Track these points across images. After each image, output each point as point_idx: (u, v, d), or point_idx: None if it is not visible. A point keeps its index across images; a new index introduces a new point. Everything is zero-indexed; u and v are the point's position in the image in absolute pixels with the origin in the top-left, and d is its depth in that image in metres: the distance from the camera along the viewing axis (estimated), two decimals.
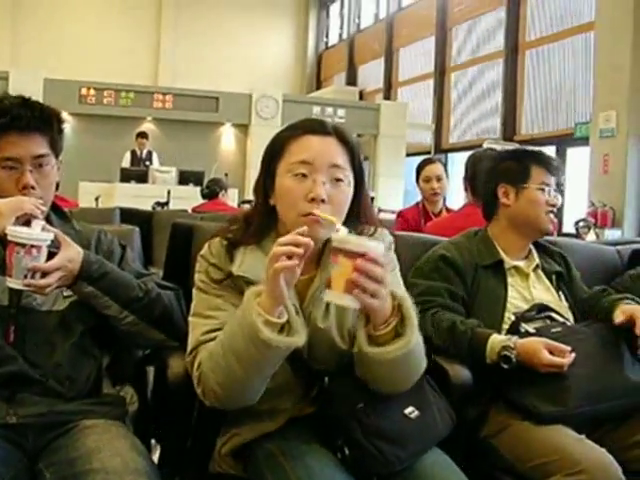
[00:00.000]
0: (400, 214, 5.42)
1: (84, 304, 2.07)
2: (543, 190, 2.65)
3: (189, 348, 1.90)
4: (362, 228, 1.99)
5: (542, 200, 2.65)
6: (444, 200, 5.34)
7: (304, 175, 1.87)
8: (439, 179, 5.12)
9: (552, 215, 2.67)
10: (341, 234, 1.70)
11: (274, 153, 1.94)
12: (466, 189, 4.11)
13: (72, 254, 1.97)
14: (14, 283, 1.88)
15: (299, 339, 1.72)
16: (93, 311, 2.07)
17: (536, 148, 2.91)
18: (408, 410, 1.91)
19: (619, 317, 2.43)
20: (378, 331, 1.78)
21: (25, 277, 1.87)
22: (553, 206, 2.67)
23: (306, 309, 1.87)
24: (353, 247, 1.66)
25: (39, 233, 1.89)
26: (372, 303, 1.69)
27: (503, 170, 2.72)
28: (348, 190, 1.92)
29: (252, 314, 1.69)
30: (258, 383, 1.80)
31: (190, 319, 1.95)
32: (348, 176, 1.92)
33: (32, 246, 1.86)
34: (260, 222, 1.96)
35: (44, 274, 1.89)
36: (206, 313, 1.90)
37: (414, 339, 1.79)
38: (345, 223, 1.89)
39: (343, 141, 1.93)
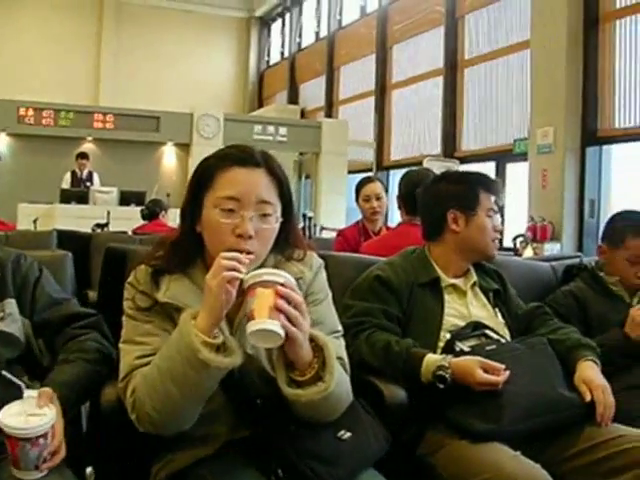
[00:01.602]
0: (340, 233, 5.42)
1: (9, 333, 2.02)
2: (491, 217, 2.68)
3: (121, 374, 1.89)
4: (291, 252, 2.01)
5: (490, 226, 2.68)
6: (386, 218, 5.36)
7: (232, 210, 1.87)
8: (378, 198, 5.13)
9: (497, 241, 2.71)
10: (251, 273, 1.72)
11: (202, 182, 1.94)
12: (400, 207, 4.11)
13: (57, 411, 1.83)
14: (27, 475, 1.73)
15: (236, 359, 1.73)
16: (17, 341, 2.03)
17: (479, 169, 2.94)
18: (340, 433, 1.92)
19: (586, 393, 2.42)
20: (303, 376, 1.79)
21: (36, 467, 1.73)
22: (499, 231, 2.71)
23: (235, 335, 1.86)
24: (270, 277, 1.70)
25: (43, 421, 1.72)
26: (294, 332, 1.70)
27: (452, 195, 2.71)
28: (276, 225, 1.93)
29: (190, 335, 1.69)
30: (194, 407, 1.81)
31: (121, 346, 1.93)
32: (276, 210, 1.93)
33: (39, 437, 1.71)
34: (186, 249, 1.96)
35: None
36: (137, 339, 1.89)
37: (332, 385, 1.79)
38: (274, 248, 1.94)
39: (272, 173, 1.94)
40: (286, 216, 1.97)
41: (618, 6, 9.61)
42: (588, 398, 2.40)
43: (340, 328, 2.06)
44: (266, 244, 1.92)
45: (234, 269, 1.70)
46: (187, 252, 1.95)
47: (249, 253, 1.82)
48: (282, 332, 1.67)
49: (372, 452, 1.98)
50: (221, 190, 1.89)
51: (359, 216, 5.35)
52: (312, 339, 1.80)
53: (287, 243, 2.00)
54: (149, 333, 1.88)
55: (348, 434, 1.92)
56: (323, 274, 2.08)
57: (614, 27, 9.62)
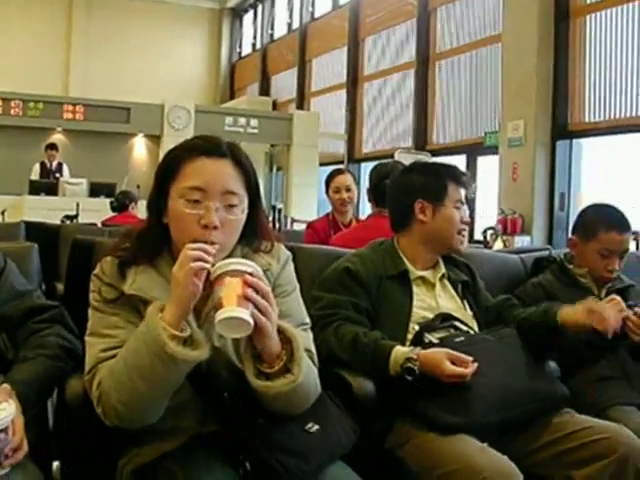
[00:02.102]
0: (310, 225, 5.43)
1: None
2: (458, 208, 2.68)
3: (87, 367, 1.87)
4: (259, 244, 2.00)
5: (457, 218, 2.67)
6: (357, 210, 5.35)
7: (197, 201, 1.86)
8: (348, 189, 5.15)
9: (464, 233, 2.71)
10: (219, 263, 1.71)
11: (168, 173, 1.92)
12: (370, 199, 4.13)
13: (16, 407, 1.80)
14: None
15: (203, 352, 1.72)
16: None
17: (450, 162, 2.94)
18: (308, 425, 1.91)
19: (589, 319, 2.49)
20: (271, 368, 1.78)
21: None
22: (466, 224, 2.71)
23: (202, 328, 1.83)
24: (238, 266, 1.69)
25: (2, 415, 1.69)
26: (263, 322, 1.70)
27: (420, 186, 2.71)
28: (242, 215, 1.92)
29: (157, 328, 1.68)
30: (161, 400, 1.79)
31: (87, 338, 1.91)
32: (243, 201, 1.92)
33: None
34: (153, 240, 1.94)
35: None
36: (103, 332, 1.87)
37: (300, 377, 1.79)
38: (241, 240, 1.93)
39: (238, 163, 1.93)
40: (253, 207, 1.96)
41: (589, 1, 9.66)
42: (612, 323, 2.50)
43: (308, 320, 2.06)
44: (232, 235, 1.91)
45: (200, 259, 1.70)
46: (154, 244, 1.94)
47: (214, 244, 1.80)
48: (251, 320, 1.66)
49: (340, 445, 1.98)
50: (187, 180, 1.88)
51: (330, 208, 5.35)
52: (280, 331, 1.80)
53: (254, 235, 1.99)
54: (115, 325, 1.86)
55: (316, 427, 1.91)
56: (291, 266, 2.08)
57: (585, 22, 9.67)
